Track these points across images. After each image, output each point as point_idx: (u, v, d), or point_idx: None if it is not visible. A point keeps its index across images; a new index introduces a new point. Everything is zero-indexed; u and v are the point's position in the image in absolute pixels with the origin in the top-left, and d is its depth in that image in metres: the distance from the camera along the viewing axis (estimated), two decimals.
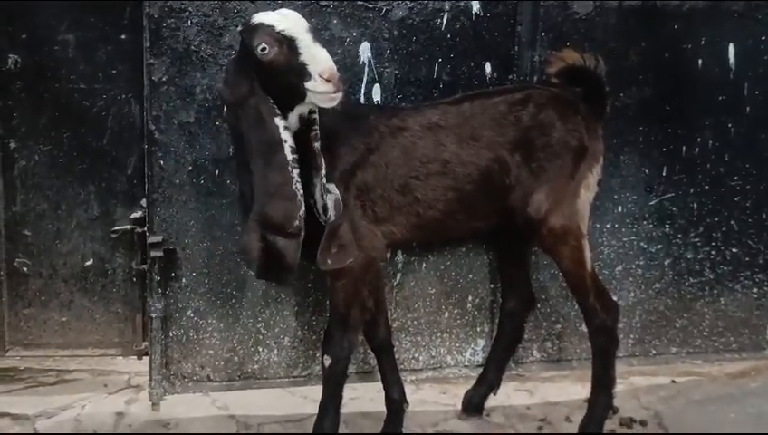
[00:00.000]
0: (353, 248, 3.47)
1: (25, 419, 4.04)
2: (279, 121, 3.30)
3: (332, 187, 3.40)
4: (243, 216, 3.71)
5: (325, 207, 3.41)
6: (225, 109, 3.59)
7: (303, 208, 3.32)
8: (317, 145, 3.39)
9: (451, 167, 3.63)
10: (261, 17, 3.32)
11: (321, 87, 3.23)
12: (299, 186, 3.31)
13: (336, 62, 3.84)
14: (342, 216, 3.40)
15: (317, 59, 3.23)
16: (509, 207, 3.72)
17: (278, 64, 3.26)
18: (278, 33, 3.25)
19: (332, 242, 3.40)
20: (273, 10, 3.47)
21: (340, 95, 3.27)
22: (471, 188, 3.66)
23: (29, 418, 4.05)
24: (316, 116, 3.40)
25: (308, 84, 3.24)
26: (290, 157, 3.31)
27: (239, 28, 3.45)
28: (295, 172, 3.31)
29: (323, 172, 3.38)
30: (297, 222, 3.32)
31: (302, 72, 3.24)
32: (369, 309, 3.74)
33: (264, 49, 3.25)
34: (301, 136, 3.38)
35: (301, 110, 3.38)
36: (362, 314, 3.66)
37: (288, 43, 3.25)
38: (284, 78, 3.27)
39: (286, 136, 3.31)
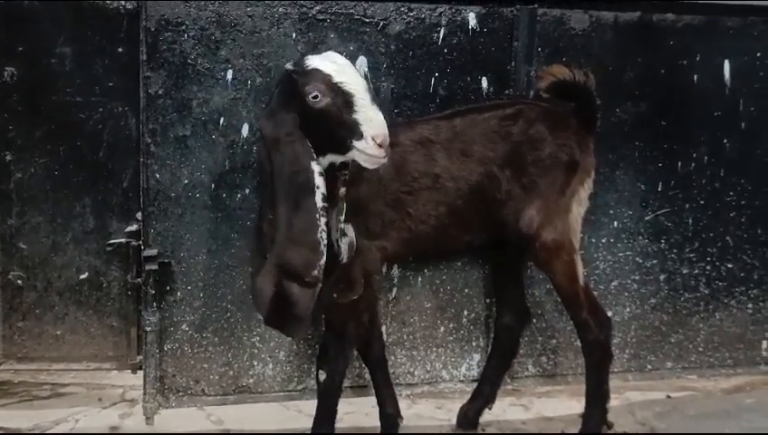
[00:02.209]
0: (360, 285, 3.48)
1: (19, 433, 4.02)
2: (315, 167, 3.22)
3: (350, 229, 3.40)
4: (255, 251, 3.62)
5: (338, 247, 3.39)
6: (261, 143, 3.48)
7: (324, 259, 3.26)
8: (343, 190, 3.34)
9: (442, 182, 3.64)
10: (317, 63, 3.23)
11: (372, 151, 3.18)
12: (324, 235, 3.25)
13: None
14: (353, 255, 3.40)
15: (373, 122, 3.17)
16: (501, 221, 3.73)
17: (328, 115, 3.19)
18: (335, 84, 3.19)
19: (343, 280, 3.41)
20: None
21: (386, 160, 3.22)
22: (462, 202, 3.66)
23: (22, 432, 4.03)
24: (348, 162, 3.33)
25: (357, 143, 3.18)
26: (320, 204, 3.23)
27: (288, 65, 3.33)
28: (323, 221, 3.24)
29: (342, 217, 3.36)
30: (316, 272, 3.24)
31: (353, 130, 3.17)
32: (364, 324, 3.72)
33: (316, 97, 3.19)
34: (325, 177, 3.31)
35: (334, 158, 3.31)
36: (358, 328, 3.66)
37: (344, 98, 3.18)
38: (332, 129, 3.21)
39: (320, 182, 3.23)
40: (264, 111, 3.45)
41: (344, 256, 3.39)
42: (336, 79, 3.19)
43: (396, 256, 3.79)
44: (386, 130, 3.17)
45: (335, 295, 3.43)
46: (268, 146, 3.28)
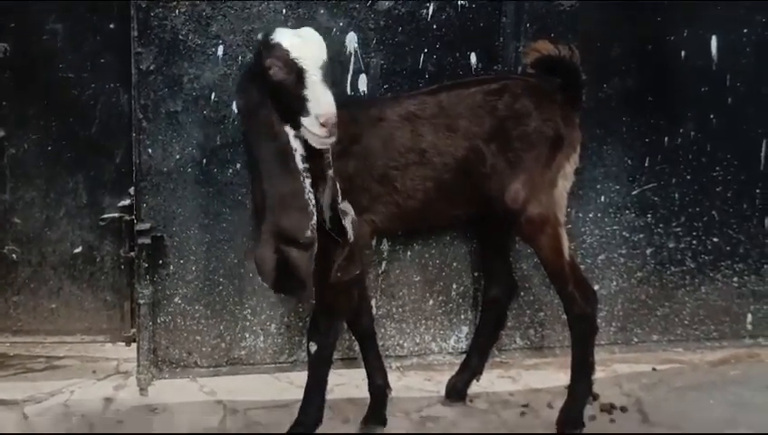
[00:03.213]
0: (360, 261, 3.53)
1: (14, 404, 4.08)
2: (289, 130, 3.30)
3: (349, 207, 3.43)
4: (255, 227, 3.73)
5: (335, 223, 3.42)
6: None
7: (315, 219, 3.33)
8: (330, 172, 3.37)
9: (429, 156, 3.67)
10: (281, 36, 3.31)
11: (316, 129, 3.25)
12: (311, 196, 3.32)
13: None
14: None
15: (320, 101, 3.23)
16: (487, 196, 3.76)
17: (284, 89, 3.28)
18: (291, 59, 3.26)
19: (346, 256, 3.45)
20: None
21: (332, 140, 3.28)
22: (449, 177, 3.70)
23: (18, 403, 4.09)
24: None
25: (304, 120, 3.26)
26: (301, 166, 3.31)
27: (259, 36, 3.43)
28: (307, 182, 3.32)
29: (339, 197, 3.39)
30: (309, 232, 3.31)
31: (302, 106, 3.25)
32: (354, 297, 3.76)
33: (274, 70, 3.27)
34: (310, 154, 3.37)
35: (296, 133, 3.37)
36: (348, 302, 3.70)
37: (297, 73, 3.25)
38: (287, 103, 3.29)
39: (296, 145, 3.31)
40: (237, 85, 3.54)
41: (350, 235, 3.41)
42: (293, 54, 3.26)
43: (384, 230, 3.84)
44: (332, 111, 3.22)
45: (338, 273, 3.46)
46: (243, 117, 3.42)
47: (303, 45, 3.28)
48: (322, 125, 3.23)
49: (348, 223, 3.41)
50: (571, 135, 3.85)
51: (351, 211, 3.43)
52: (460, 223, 4.20)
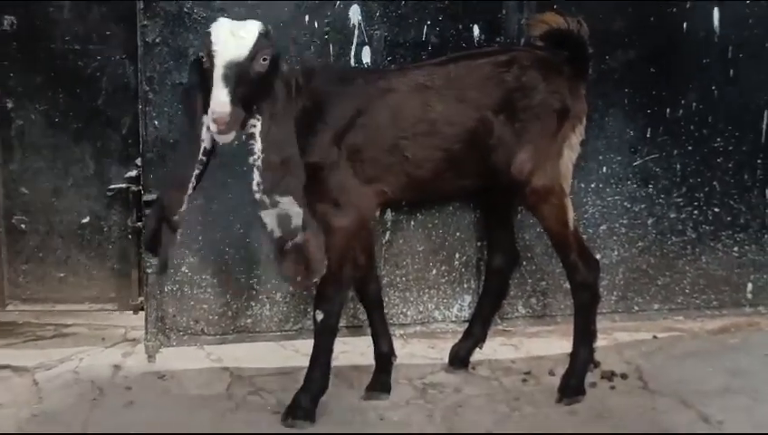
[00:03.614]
0: (323, 265, 3.44)
1: (25, 371, 4.15)
2: (206, 119, 3.29)
3: (288, 203, 3.30)
4: None
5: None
6: None
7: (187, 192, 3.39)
8: (257, 162, 3.31)
9: (438, 127, 3.69)
10: (216, 25, 3.31)
11: (210, 123, 3.22)
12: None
13: (326, 24, 3.98)
14: (310, 232, 3.35)
15: (215, 99, 3.19)
16: (494, 166, 3.79)
17: (205, 79, 3.29)
18: (210, 51, 3.24)
19: (299, 260, 3.37)
20: None
21: (227, 137, 3.24)
22: (458, 147, 3.72)
23: (28, 369, 4.15)
24: (254, 131, 3.31)
25: (207, 112, 3.25)
26: (198, 156, 3.37)
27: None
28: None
29: (259, 188, 3.31)
30: (177, 217, 3.39)
31: (207, 99, 3.24)
32: (361, 266, 3.82)
33: (202, 57, 3.31)
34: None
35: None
36: (354, 270, 3.75)
37: (211, 66, 3.25)
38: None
39: (205, 135, 3.34)
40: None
41: (275, 231, 3.32)
42: (212, 46, 3.25)
43: (394, 200, 3.86)
44: (221, 110, 3.15)
45: (297, 279, 3.42)
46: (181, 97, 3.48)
47: (220, 39, 3.24)
48: (214, 122, 3.19)
49: (268, 218, 3.31)
50: (578, 107, 3.88)
51: (291, 208, 3.31)
52: (467, 194, 4.23)
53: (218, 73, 3.19)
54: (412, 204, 4.35)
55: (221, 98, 3.16)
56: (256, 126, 3.28)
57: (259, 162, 3.28)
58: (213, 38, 3.26)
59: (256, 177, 3.28)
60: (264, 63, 3.27)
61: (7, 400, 3.87)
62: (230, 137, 3.24)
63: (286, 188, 3.30)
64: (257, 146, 3.28)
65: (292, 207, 3.30)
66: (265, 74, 3.28)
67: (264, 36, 3.29)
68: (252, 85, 3.25)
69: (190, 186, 3.38)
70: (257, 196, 3.29)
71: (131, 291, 4.64)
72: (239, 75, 3.20)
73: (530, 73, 3.80)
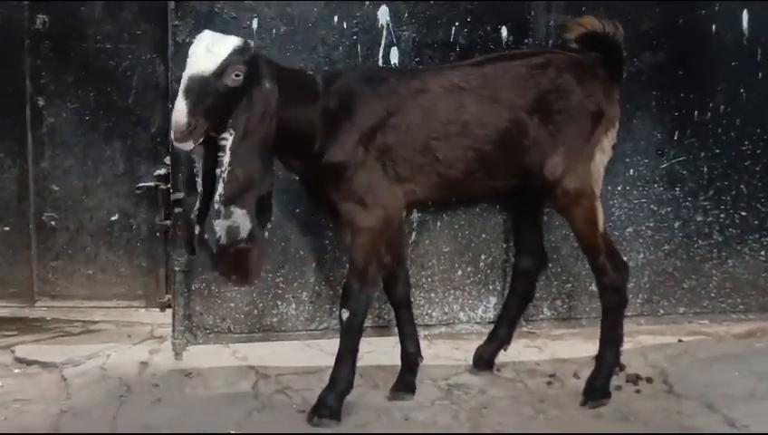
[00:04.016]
0: (256, 276, 3.61)
1: (54, 366, 4.20)
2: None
3: (239, 215, 3.38)
4: None
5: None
6: None
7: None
8: (218, 171, 3.36)
9: (471, 128, 3.70)
10: (199, 37, 3.39)
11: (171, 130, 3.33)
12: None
13: (355, 25, 4.05)
14: (253, 241, 3.42)
15: (174, 107, 3.30)
16: (527, 168, 3.80)
17: None
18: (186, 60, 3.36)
19: (239, 264, 3.48)
20: None
21: (186, 145, 3.31)
22: (490, 148, 3.73)
23: (57, 365, 4.20)
24: (224, 144, 3.35)
25: None
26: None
27: None
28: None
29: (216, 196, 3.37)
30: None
31: None
32: (387, 265, 3.84)
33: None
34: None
35: None
36: (379, 269, 3.77)
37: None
38: None
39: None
40: None
41: (222, 238, 3.37)
42: (189, 56, 3.34)
43: (425, 200, 3.90)
44: (177, 120, 3.24)
45: (232, 278, 3.58)
46: None
47: (194, 52, 3.33)
48: (173, 130, 3.28)
49: (219, 226, 3.36)
50: (611, 110, 3.89)
51: (240, 220, 3.38)
52: (498, 195, 4.24)
53: (182, 85, 3.29)
54: (441, 204, 4.34)
55: (179, 108, 3.25)
56: (228, 139, 3.33)
57: (225, 175, 3.33)
58: (190, 50, 3.35)
59: (219, 188, 3.34)
60: (236, 79, 3.31)
61: (36, 395, 3.92)
62: (189, 145, 3.31)
63: (243, 202, 3.38)
64: (226, 159, 3.33)
65: (243, 221, 3.39)
66: (238, 89, 3.33)
67: (239, 53, 3.33)
68: (220, 99, 3.30)
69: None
70: (216, 205, 3.35)
71: (159, 288, 4.67)
72: (202, 89, 3.27)
73: (565, 76, 3.80)
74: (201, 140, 3.33)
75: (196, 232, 3.48)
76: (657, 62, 4.48)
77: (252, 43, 3.41)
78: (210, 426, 3.65)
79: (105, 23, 4.43)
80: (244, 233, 3.39)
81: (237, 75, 3.31)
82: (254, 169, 3.38)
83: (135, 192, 4.56)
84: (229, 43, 3.33)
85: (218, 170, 3.35)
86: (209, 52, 3.30)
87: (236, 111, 3.33)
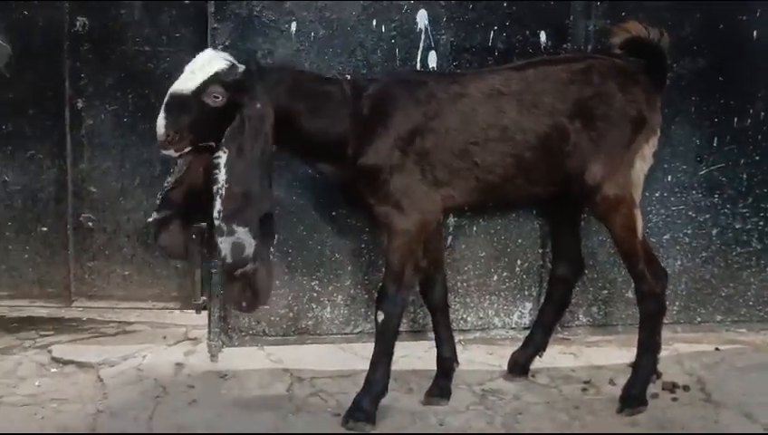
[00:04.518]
0: (266, 296, 3.63)
1: (90, 366, 4.22)
2: None
3: (242, 233, 3.44)
4: None
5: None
6: None
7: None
8: (215, 188, 3.44)
9: (510, 133, 3.69)
10: (198, 56, 3.53)
11: None
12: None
13: (393, 29, 4.10)
14: (258, 260, 3.48)
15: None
16: (566, 173, 3.78)
17: None
18: None
19: (246, 288, 3.53)
20: None
21: (170, 153, 3.52)
22: (530, 154, 3.71)
23: (93, 366, 4.22)
24: (218, 162, 3.44)
25: None
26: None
27: None
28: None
29: (217, 214, 3.44)
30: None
31: None
32: (424, 269, 3.84)
33: None
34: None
35: None
36: (415, 273, 3.76)
37: None
38: None
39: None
40: None
41: (227, 257, 3.44)
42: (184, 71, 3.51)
43: (463, 204, 3.89)
44: (157, 132, 3.47)
45: (243, 304, 3.60)
46: None
47: (184, 69, 3.50)
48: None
49: (222, 244, 3.43)
50: (653, 118, 3.85)
51: (243, 238, 3.43)
52: (537, 201, 4.23)
53: (165, 99, 3.50)
54: (479, 209, 4.33)
55: (158, 121, 3.48)
56: (221, 157, 3.41)
57: (222, 191, 3.41)
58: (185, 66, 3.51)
59: (218, 205, 3.41)
60: (216, 100, 3.44)
61: (73, 395, 3.94)
62: (172, 153, 3.52)
63: (244, 219, 3.43)
64: (221, 176, 3.41)
65: (246, 238, 3.44)
66: (223, 109, 3.44)
67: (221, 75, 3.45)
68: (203, 117, 3.45)
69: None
70: (216, 222, 3.43)
71: (194, 290, 4.66)
72: (181, 105, 3.46)
73: (607, 82, 3.78)
74: (188, 149, 3.51)
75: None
76: (697, 68, 4.44)
77: (239, 69, 3.48)
78: (246, 428, 3.66)
79: (144, 25, 4.46)
80: (248, 251, 3.44)
81: (216, 97, 3.45)
82: (251, 187, 3.46)
83: None
84: (215, 65, 3.47)
85: (215, 187, 3.43)
86: (193, 72, 3.47)
87: (229, 130, 3.43)
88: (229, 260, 3.44)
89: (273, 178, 3.63)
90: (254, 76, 3.51)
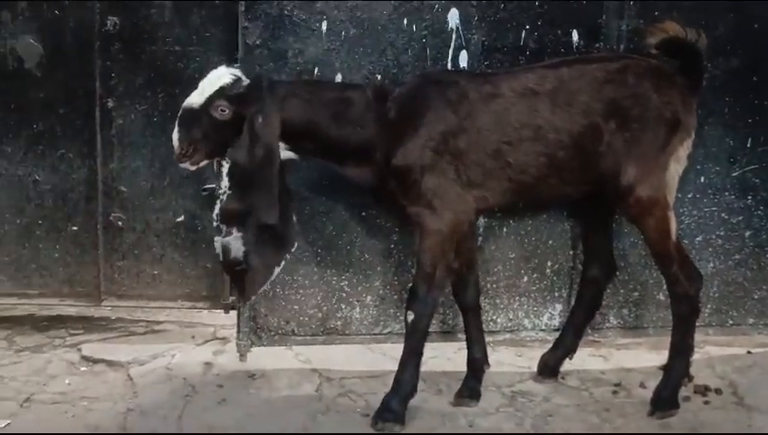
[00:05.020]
0: (251, 295, 3.95)
1: (119, 365, 4.26)
2: None
3: (234, 240, 3.71)
4: None
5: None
6: None
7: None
8: (223, 199, 3.72)
9: (543, 133, 3.68)
10: (214, 71, 3.71)
11: None
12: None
13: (424, 28, 4.10)
14: (248, 265, 3.74)
15: None
16: (599, 174, 3.75)
17: None
18: None
19: (236, 282, 3.87)
20: None
21: (187, 166, 3.72)
22: (563, 154, 3.70)
23: (122, 364, 4.26)
24: (222, 171, 3.72)
25: None
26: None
27: None
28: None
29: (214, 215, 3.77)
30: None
31: None
32: (456, 270, 3.84)
33: None
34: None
35: None
36: (447, 273, 3.76)
37: None
38: None
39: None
40: None
41: (220, 256, 3.74)
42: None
43: (496, 205, 3.86)
44: (174, 146, 3.67)
45: (243, 299, 3.98)
46: None
47: (202, 88, 3.67)
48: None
49: (217, 243, 3.73)
50: (688, 120, 3.82)
51: (233, 244, 3.70)
52: (570, 202, 4.19)
53: (179, 113, 3.68)
54: (511, 210, 4.29)
55: (173, 135, 3.67)
56: (224, 166, 3.67)
57: (223, 197, 3.68)
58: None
59: (217, 208, 3.72)
60: (222, 113, 3.62)
61: (103, 393, 3.98)
62: (188, 166, 3.72)
63: (237, 226, 3.69)
64: (223, 183, 3.68)
65: (235, 243, 3.71)
66: (231, 122, 3.61)
67: (226, 90, 3.62)
68: (214, 130, 3.63)
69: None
70: (215, 222, 3.74)
71: (223, 290, 4.65)
72: (192, 119, 3.64)
73: (643, 82, 3.75)
74: (204, 163, 3.73)
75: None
76: (731, 68, 4.39)
77: (244, 82, 3.65)
78: (275, 427, 3.67)
79: (174, 25, 4.45)
80: (235, 254, 3.71)
81: (223, 110, 3.61)
82: (248, 198, 3.64)
83: (201, 193, 4.55)
84: (222, 80, 3.64)
85: (218, 192, 3.68)
86: (203, 87, 3.64)
87: (234, 141, 3.62)
88: (221, 259, 3.76)
89: (287, 189, 3.86)
90: (259, 89, 3.60)
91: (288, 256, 3.90)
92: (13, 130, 4.59)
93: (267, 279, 3.88)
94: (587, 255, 4.20)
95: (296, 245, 3.95)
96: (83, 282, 4.72)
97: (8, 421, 3.68)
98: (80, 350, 4.43)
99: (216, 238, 3.71)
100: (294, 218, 3.92)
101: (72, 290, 4.73)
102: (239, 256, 3.69)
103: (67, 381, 4.09)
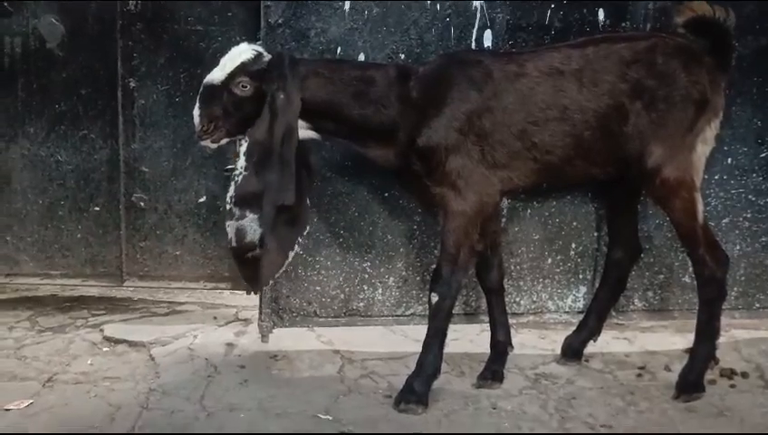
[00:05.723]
0: (268, 279, 3.82)
1: (141, 345, 4.27)
2: None
3: (250, 221, 3.62)
4: None
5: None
6: None
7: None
8: (237, 180, 3.63)
9: (569, 113, 3.64)
10: (235, 47, 3.66)
11: None
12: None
13: (448, 7, 4.06)
14: (264, 248, 3.62)
15: None
16: (625, 155, 3.71)
17: None
18: None
19: (255, 270, 3.70)
20: None
21: (207, 144, 3.67)
22: (589, 134, 3.66)
23: (144, 345, 4.27)
24: (239, 150, 3.65)
25: None
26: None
27: None
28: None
29: (230, 198, 3.66)
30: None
31: None
32: (480, 251, 3.81)
33: None
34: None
35: None
36: (471, 255, 3.73)
37: None
38: None
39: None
40: None
41: (232, 241, 3.65)
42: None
43: (522, 186, 3.82)
44: (195, 123, 3.62)
45: (259, 284, 3.82)
46: None
47: (222, 64, 3.62)
48: None
49: (229, 228, 3.63)
50: (716, 100, 3.77)
51: (248, 224, 3.62)
52: (596, 182, 4.14)
53: (200, 90, 3.63)
54: (535, 191, 4.26)
55: (194, 112, 3.63)
56: (242, 145, 3.59)
57: (238, 178, 3.59)
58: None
59: (231, 190, 3.63)
60: (243, 89, 3.57)
61: (126, 373, 3.98)
62: (209, 144, 3.67)
63: (254, 206, 3.60)
64: (240, 162, 3.59)
65: (252, 225, 3.61)
66: (251, 99, 3.58)
67: (247, 66, 3.57)
68: (234, 106, 3.59)
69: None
70: (228, 205, 3.63)
71: None
72: (212, 96, 3.59)
73: (671, 62, 3.70)
74: (225, 141, 3.68)
75: None
76: (760, 47, 4.32)
77: (265, 58, 3.60)
78: (297, 408, 3.66)
79: (196, 5, 4.44)
80: (252, 237, 3.61)
81: (244, 86, 3.57)
82: (266, 176, 3.54)
83: (223, 174, 4.55)
84: (243, 56, 3.59)
85: (233, 172, 3.61)
86: (224, 64, 3.59)
87: (256, 120, 3.56)
88: (234, 244, 3.65)
89: (311, 165, 3.84)
90: (281, 66, 3.55)
91: (300, 240, 3.82)
92: (35, 111, 4.61)
93: (283, 263, 3.78)
94: (612, 236, 4.16)
95: (308, 228, 3.89)
96: (105, 262, 4.74)
97: (31, 401, 3.69)
98: (102, 330, 4.45)
99: (229, 222, 3.63)
100: (308, 201, 3.87)
101: (94, 270, 4.75)
102: (255, 239, 3.62)
103: (89, 362, 4.10)
